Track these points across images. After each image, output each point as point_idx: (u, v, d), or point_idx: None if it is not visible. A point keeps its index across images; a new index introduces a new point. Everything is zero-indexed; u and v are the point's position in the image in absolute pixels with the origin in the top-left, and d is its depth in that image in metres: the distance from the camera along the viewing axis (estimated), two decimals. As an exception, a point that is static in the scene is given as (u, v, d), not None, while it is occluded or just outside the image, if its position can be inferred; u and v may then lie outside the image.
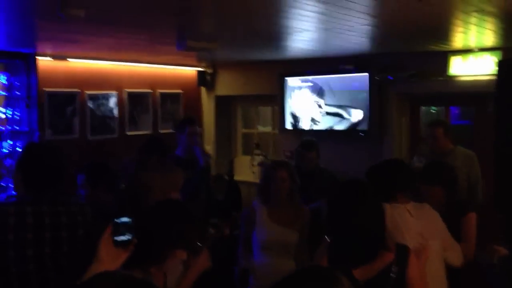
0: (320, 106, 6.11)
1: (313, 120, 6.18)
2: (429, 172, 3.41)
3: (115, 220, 1.81)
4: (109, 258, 1.80)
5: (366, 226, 2.23)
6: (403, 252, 2.27)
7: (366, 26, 3.76)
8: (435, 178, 3.31)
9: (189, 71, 7.12)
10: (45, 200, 2.46)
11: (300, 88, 6.28)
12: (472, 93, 5.22)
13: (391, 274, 2.20)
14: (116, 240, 1.79)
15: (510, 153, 3.44)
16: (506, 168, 3.44)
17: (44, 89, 5.38)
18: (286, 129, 6.43)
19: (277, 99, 6.53)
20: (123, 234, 1.80)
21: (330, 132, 6.03)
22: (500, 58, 4.80)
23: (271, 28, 3.95)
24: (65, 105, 5.64)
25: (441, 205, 3.18)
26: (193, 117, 4.86)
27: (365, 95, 5.71)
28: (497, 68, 3.79)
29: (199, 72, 7.14)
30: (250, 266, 3.46)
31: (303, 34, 4.14)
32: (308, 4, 2.95)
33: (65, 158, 2.58)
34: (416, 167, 4.30)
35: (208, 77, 7.21)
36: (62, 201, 2.52)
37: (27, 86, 5.23)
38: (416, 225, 2.80)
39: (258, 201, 3.54)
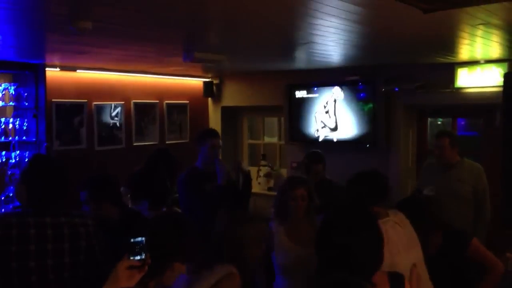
0: (326, 117, 6.11)
1: (319, 131, 6.19)
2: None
3: (131, 240, 1.84)
4: (125, 276, 1.83)
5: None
6: (398, 280, 2.18)
7: (371, 38, 3.77)
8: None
9: (196, 82, 7.15)
10: (47, 212, 2.47)
11: (306, 99, 6.29)
12: (479, 105, 5.22)
13: None
14: (133, 260, 1.84)
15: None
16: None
17: (52, 99, 5.42)
18: (293, 140, 6.44)
19: (284, 109, 6.54)
20: (139, 254, 1.84)
21: (336, 143, 6.02)
22: (507, 69, 4.81)
23: (279, 41, 3.97)
24: (73, 116, 5.67)
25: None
26: (214, 130, 4.75)
27: (371, 106, 5.71)
28: (503, 79, 3.79)
29: (205, 83, 7.17)
30: None
31: (312, 46, 4.16)
32: (318, 18, 2.97)
33: (68, 174, 2.58)
34: (427, 196, 4.26)
35: (215, 88, 7.25)
36: (65, 213, 2.52)
37: (35, 96, 5.26)
38: (405, 236, 2.76)
39: (275, 222, 3.30)
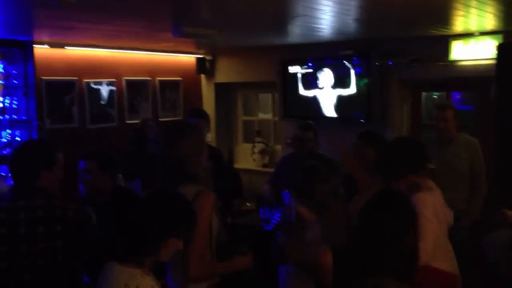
0: (319, 93, 6.06)
1: (313, 106, 6.14)
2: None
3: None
4: None
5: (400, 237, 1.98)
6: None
7: (365, 9, 3.71)
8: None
9: (188, 58, 7.07)
10: (23, 194, 2.42)
11: (300, 74, 6.23)
12: (474, 77, 5.17)
13: None
14: None
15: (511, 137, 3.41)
16: (507, 155, 3.41)
17: (42, 77, 5.35)
18: (287, 116, 6.39)
19: (278, 85, 6.48)
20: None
21: (330, 118, 5.99)
22: (501, 41, 4.75)
23: (270, 14, 3.90)
24: (64, 94, 5.61)
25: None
26: (200, 110, 4.70)
27: (366, 81, 5.66)
28: (496, 51, 3.75)
29: (198, 59, 7.09)
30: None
31: (305, 19, 4.09)
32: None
33: (42, 154, 2.55)
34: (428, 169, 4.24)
35: (208, 64, 7.17)
36: (44, 195, 2.45)
37: (25, 74, 5.20)
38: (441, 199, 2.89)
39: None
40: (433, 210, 2.77)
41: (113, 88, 6.12)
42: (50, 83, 5.45)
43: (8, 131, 5.16)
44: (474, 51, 5.00)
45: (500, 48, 3.49)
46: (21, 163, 2.49)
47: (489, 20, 4.24)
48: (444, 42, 5.13)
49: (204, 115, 4.43)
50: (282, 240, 3.46)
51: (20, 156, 2.52)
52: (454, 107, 4.54)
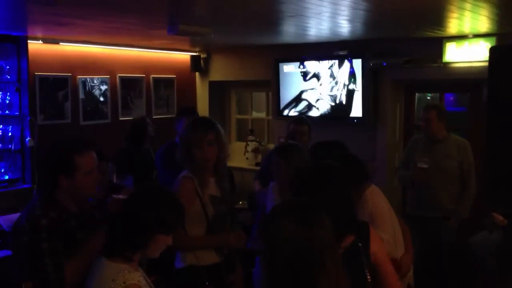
0: (314, 92, 6.07)
1: (307, 105, 6.15)
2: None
3: None
4: None
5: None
6: (362, 228, 2.26)
7: (359, 10, 3.72)
8: None
9: (183, 56, 7.06)
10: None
11: (294, 73, 6.24)
12: (467, 79, 5.20)
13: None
14: None
15: (502, 140, 3.42)
16: (497, 157, 3.44)
17: (35, 73, 5.33)
18: (281, 115, 6.40)
19: (272, 84, 6.49)
20: None
21: (324, 118, 6.00)
22: (495, 44, 4.78)
23: (265, 13, 3.90)
24: (57, 90, 5.59)
25: None
26: (192, 108, 4.71)
27: (359, 81, 5.67)
28: (489, 53, 3.77)
29: (192, 57, 7.08)
30: None
31: (297, 19, 4.10)
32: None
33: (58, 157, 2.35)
34: (420, 168, 4.27)
35: (202, 62, 7.16)
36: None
37: (18, 70, 5.16)
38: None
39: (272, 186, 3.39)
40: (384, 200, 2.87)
41: (107, 84, 6.10)
42: (43, 79, 5.42)
43: (0, 126, 5.13)
44: (467, 53, 5.03)
45: (492, 51, 3.51)
46: (39, 168, 2.38)
47: (483, 23, 4.27)
48: (438, 44, 5.15)
49: (196, 113, 4.43)
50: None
51: (40, 161, 2.40)
52: (441, 108, 4.57)
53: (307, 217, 1.63)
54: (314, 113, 6.08)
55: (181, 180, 2.89)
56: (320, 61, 5.99)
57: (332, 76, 5.90)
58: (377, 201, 2.79)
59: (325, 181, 2.11)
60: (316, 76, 6.04)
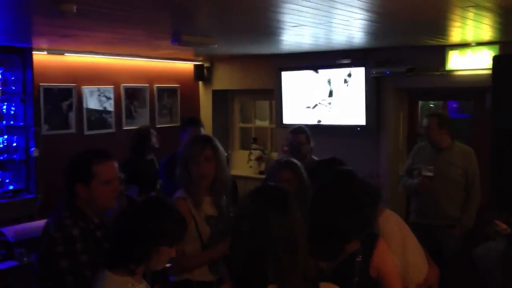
0: (316, 101, 6.08)
1: (309, 114, 6.16)
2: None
3: None
4: None
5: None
6: (370, 238, 2.25)
7: (362, 20, 3.73)
8: None
9: (186, 65, 7.09)
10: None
11: (297, 82, 6.25)
12: (470, 87, 5.20)
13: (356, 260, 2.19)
14: None
15: (507, 147, 3.43)
16: (502, 164, 3.44)
17: (40, 83, 5.36)
18: (284, 124, 6.41)
19: (275, 93, 6.50)
20: None
21: (327, 126, 6.01)
22: (498, 52, 4.79)
23: (267, 24, 3.92)
24: (61, 100, 5.62)
25: None
26: (197, 119, 4.72)
27: (362, 89, 5.68)
28: (492, 62, 3.79)
29: (196, 66, 7.11)
30: None
31: (299, 29, 4.11)
32: (305, 0, 2.93)
33: (76, 166, 2.36)
34: (425, 176, 4.26)
35: (205, 71, 7.19)
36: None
37: (23, 80, 5.19)
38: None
39: None
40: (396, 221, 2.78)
41: (111, 94, 6.13)
42: (48, 89, 5.46)
43: (5, 136, 5.15)
44: (470, 61, 5.04)
45: (495, 60, 3.52)
46: (63, 176, 2.34)
47: (486, 31, 4.27)
48: (440, 52, 5.16)
49: (201, 124, 4.44)
50: None
51: (63, 169, 2.36)
52: (442, 116, 4.56)
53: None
54: (315, 121, 6.09)
55: (175, 202, 2.80)
56: (323, 70, 6.00)
57: (335, 84, 5.91)
58: (390, 230, 2.64)
59: (348, 181, 2.17)
60: (318, 84, 6.05)
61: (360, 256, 2.19)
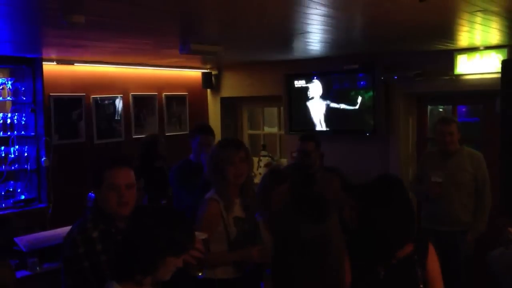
0: (326, 107, 6.08)
1: (319, 120, 6.16)
2: None
3: None
4: None
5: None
6: (423, 242, 2.28)
7: (370, 27, 3.74)
8: None
9: (194, 73, 7.12)
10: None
11: (306, 88, 6.26)
12: (479, 91, 5.18)
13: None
14: None
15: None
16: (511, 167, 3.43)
17: (50, 93, 5.40)
18: (293, 130, 6.41)
19: (283, 99, 6.51)
20: None
21: (336, 132, 6.00)
22: (506, 56, 4.77)
23: (274, 31, 3.94)
24: (71, 110, 5.66)
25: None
26: (207, 126, 4.72)
27: (371, 94, 5.68)
28: (501, 66, 3.78)
29: (204, 73, 7.14)
30: None
31: (308, 36, 4.13)
32: (312, 8, 2.94)
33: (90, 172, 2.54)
34: (434, 182, 4.24)
35: (214, 79, 7.21)
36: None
37: (33, 91, 5.24)
38: None
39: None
40: None
41: (120, 103, 6.17)
42: (58, 99, 5.50)
43: (16, 146, 5.20)
44: (479, 65, 5.02)
45: (504, 64, 3.51)
46: None
47: (494, 35, 4.26)
48: (449, 56, 5.15)
49: (211, 131, 4.45)
50: None
51: None
52: (457, 120, 4.57)
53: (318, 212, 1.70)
54: (325, 127, 6.08)
55: (208, 202, 2.97)
56: (331, 76, 6.00)
57: (343, 90, 5.91)
58: None
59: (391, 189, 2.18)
60: (327, 90, 6.05)
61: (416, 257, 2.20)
